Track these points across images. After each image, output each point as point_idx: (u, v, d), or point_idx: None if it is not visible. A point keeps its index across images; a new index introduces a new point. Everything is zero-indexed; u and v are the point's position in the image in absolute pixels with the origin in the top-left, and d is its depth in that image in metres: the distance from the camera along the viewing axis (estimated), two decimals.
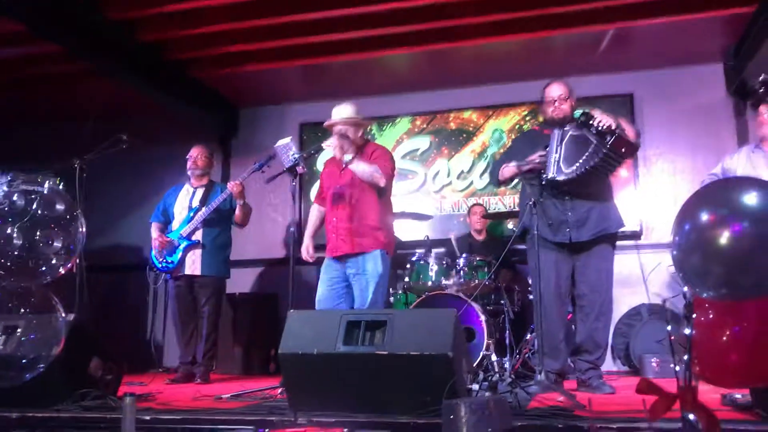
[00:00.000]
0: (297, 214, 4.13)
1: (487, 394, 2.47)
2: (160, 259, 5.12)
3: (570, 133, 3.78)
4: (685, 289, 1.74)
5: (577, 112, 3.96)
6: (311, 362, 2.80)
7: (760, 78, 3.49)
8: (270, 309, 6.46)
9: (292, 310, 3.00)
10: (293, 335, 2.89)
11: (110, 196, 6.97)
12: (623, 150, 3.65)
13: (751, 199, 1.55)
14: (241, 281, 6.52)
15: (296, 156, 3.99)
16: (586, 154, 3.66)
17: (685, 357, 1.67)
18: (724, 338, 1.71)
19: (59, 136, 6.86)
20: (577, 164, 3.67)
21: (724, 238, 1.53)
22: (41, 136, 7.17)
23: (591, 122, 3.64)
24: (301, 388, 2.87)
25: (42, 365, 2.79)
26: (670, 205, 5.53)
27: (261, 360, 6.22)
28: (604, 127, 3.60)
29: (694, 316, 1.71)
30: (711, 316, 1.75)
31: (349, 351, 2.75)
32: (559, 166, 3.73)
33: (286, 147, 4.08)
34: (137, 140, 4.81)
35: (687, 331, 1.70)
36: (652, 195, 6.17)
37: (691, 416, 1.72)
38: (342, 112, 4.31)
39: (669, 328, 4.40)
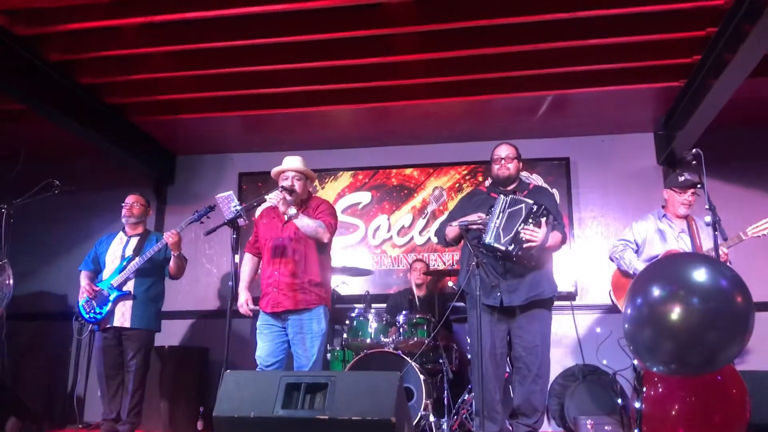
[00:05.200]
0: (236, 268, 4.01)
1: None
2: (88, 310, 4.87)
3: (513, 203, 3.85)
4: (635, 362, 1.74)
5: (521, 175, 4.08)
6: (248, 426, 2.69)
7: (693, 151, 3.64)
8: (200, 363, 6.22)
9: (228, 371, 2.88)
10: (229, 397, 2.77)
11: (35, 241, 6.65)
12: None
13: (700, 275, 1.58)
14: (170, 333, 6.28)
15: (238, 208, 3.91)
16: (504, 235, 3.81)
17: (635, 431, 1.67)
18: (674, 412, 1.71)
19: None
20: (504, 241, 3.78)
21: (675, 314, 1.55)
22: None
23: (526, 224, 3.78)
24: None
25: None
26: (603, 267, 5.63)
27: (188, 417, 5.94)
28: (524, 240, 3.77)
29: (644, 389, 1.71)
30: (660, 390, 1.76)
31: (288, 415, 2.66)
32: (498, 232, 3.80)
33: (227, 198, 4.00)
34: (69, 186, 4.64)
35: (637, 404, 1.70)
36: (586, 256, 6.31)
37: None
38: (292, 162, 4.28)
39: (619, 401, 4.46)
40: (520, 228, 3.76)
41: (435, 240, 6.03)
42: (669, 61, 5.13)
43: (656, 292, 1.62)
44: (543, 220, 3.81)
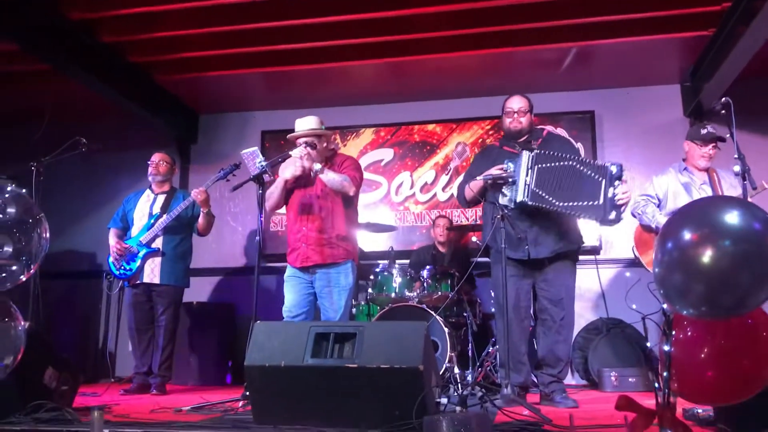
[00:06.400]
0: (263, 224, 4.04)
1: (457, 408, 2.45)
2: (118, 266, 4.98)
3: (539, 160, 3.76)
4: (665, 306, 1.75)
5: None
6: (278, 375, 2.74)
7: (722, 100, 3.57)
8: (227, 318, 6.35)
9: (258, 322, 2.93)
10: (260, 347, 2.82)
11: (63, 200, 6.75)
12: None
13: (732, 218, 1.57)
14: (198, 290, 6.38)
15: (263, 164, 3.92)
16: (585, 203, 3.66)
17: (664, 374, 1.69)
18: (703, 355, 1.73)
19: (12, 138, 6.64)
20: (565, 203, 3.66)
21: (706, 256, 1.55)
22: None
23: (615, 188, 3.66)
24: (267, 401, 2.80)
25: None
26: (628, 221, 5.60)
27: (217, 370, 6.10)
28: (620, 202, 3.64)
29: (673, 333, 1.72)
30: (690, 333, 1.77)
31: (317, 364, 2.70)
32: (532, 190, 3.67)
33: (252, 155, 4.00)
34: (96, 145, 4.70)
35: (666, 347, 1.72)
36: None
37: None
38: (305, 123, 4.24)
39: (648, 344, 4.48)
40: (610, 195, 3.64)
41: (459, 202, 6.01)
42: (697, 9, 5.02)
43: (687, 235, 1.62)
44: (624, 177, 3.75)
